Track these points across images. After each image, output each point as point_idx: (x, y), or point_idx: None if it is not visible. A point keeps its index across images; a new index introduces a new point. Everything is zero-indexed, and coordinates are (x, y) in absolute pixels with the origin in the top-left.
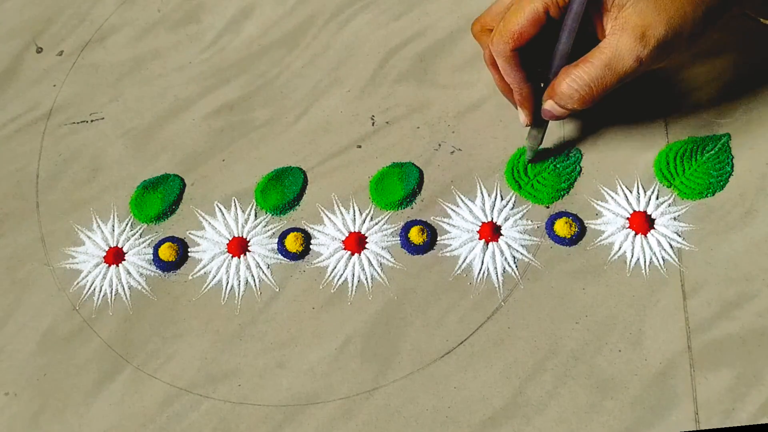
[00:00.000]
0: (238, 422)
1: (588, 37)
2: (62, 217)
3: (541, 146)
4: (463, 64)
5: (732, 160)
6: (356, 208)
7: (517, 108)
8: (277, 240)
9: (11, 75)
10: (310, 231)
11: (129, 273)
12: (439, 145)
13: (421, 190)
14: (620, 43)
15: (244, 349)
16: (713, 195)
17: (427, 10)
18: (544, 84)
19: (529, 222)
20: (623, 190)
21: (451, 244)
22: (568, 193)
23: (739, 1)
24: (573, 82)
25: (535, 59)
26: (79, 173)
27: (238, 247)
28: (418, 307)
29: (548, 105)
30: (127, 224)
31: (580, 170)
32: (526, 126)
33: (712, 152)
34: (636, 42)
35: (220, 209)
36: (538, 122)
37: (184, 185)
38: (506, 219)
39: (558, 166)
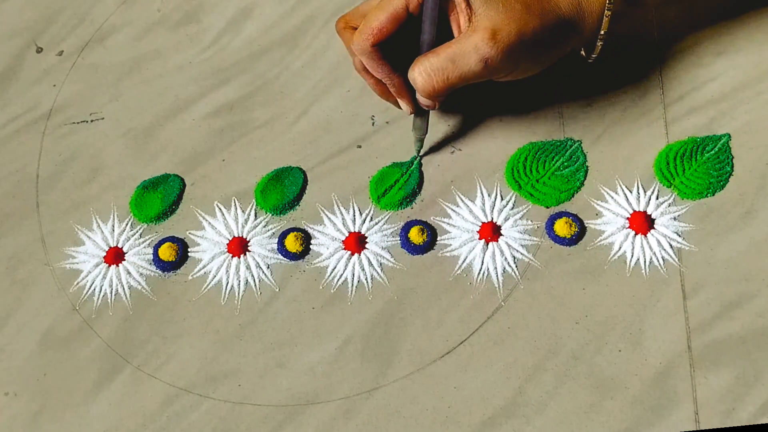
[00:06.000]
0: (238, 422)
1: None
2: (62, 217)
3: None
4: None
5: (732, 160)
6: (356, 208)
7: (400, 109)
8: (277, 240)
9: (11, 75)
10: (310, 231)
11: (129, 273)
12: (440, 145)
13: (421, 190)
14: (468, 41)
15: (244, 349)
16: (713, 195)
17: None
18: None
19: (529, 222)
20: (623, 190)
21: (451, 244)
22: (572, 196)
23: (578, 33)
24: (416, 69)
25: (405, 56)
26: (79, 173)
27: (238, 247)
28: (418, 307)
29: (416, 94)
30: (127, 224)
31: (586, 173)
32: (410, 114)
33: (712, 152)
34: (485, 42)
35: (220, 209)
36: (420, 111)
37: (184, 185)
38: (506, 219)
39: (562, 167)
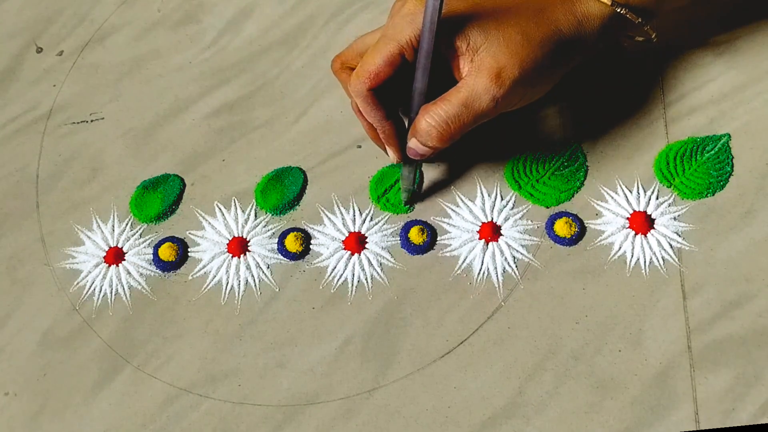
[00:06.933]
0: (238, 422)
1: (447, 80)
2: (62, 217)
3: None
4: None
5: (732, 160)
6: (356, 208)
7: (386, 152)
8: (277, 240)
9: (11, 75)
10: (310, 231)
11: (129, 273)
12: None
13: (421, 190)
14: (477, 84)
15: (244, 349)
16: (713, 195)
17: None
18: (408, 123)
19: (529, 222)
20: (623, 190)
21: (451, 244)
22: (572, 196)
23: (580, 51)
24: (431, 119)
25: (398, 101)
26: (79, 173)
27: (238, 247)
28: (418, 307)
29: (412, 143)
30: (127, 224)
31: (586, 173)
32: (397, 163)
33: (712, 152)
34: (492, 82)
35: (220, 209)
36: (408, 161)
37: (184, 185)
38: (506, 219)
39: (562, 167)
